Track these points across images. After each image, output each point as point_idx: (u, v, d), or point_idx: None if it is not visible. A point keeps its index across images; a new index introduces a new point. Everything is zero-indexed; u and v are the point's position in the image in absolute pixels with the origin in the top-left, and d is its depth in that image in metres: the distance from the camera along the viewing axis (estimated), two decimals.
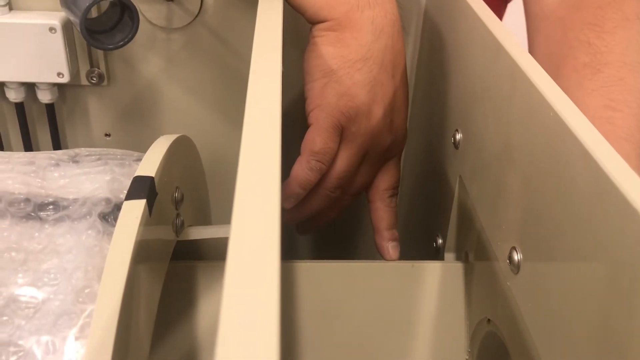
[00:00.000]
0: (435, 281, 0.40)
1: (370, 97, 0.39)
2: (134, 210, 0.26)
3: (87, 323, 0.23)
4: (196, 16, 0.50)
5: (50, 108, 0.52)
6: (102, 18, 0.45)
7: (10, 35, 0.47)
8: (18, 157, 0.32)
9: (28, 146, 0.53)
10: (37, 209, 0.28)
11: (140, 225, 0.25)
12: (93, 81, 0.51)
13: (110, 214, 0.27)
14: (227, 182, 0.54)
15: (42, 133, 0.54)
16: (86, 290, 0.24)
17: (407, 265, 0.41)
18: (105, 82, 0.52)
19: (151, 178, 0.28)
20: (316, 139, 0.39)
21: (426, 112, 0.49)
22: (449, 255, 0.42)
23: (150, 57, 0.52)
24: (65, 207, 0.28)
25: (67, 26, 0.47)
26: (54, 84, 0.50)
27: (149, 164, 0.29)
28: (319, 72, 0.39)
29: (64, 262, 0.25)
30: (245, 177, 0.21)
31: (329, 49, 0.39)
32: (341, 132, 0.40)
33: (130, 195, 0.27)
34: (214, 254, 0.40)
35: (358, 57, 0.39)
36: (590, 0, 0.48)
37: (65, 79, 0.48)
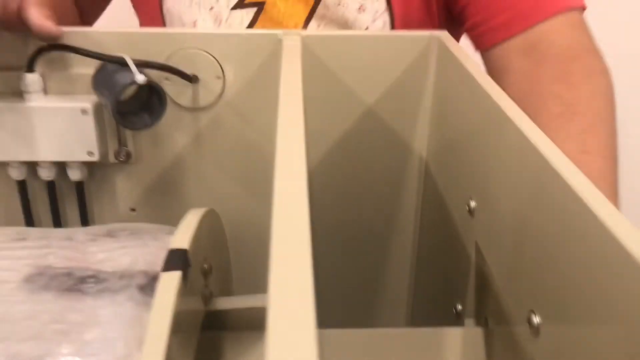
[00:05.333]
0: (457, 347, 0.41)
1: None
2: (171, 282, 0.28)
3: None
4: (219, 96, 0.53)
5: (79, 185, 0.54)
6: (131, 100, 0.48)
7: (45, 118, 0.50)
8: (57, 233, 0.34)
9: (57, 222, 0.56)
10: (78, 282, 0.29)
11: (177, 296, 0.27)
12: (121, 159, 0.54)
13: (147, 286, 0.29)
14: (248, 252, 0.56)
15: (70, 209, 0.56)
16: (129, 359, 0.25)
17: (428, 331, 0.41)
18: (132, 160, 0.54)
19: (185, 250, 0.30)
20: None
21: (441, 181, 0.51)
22: (469, 321, 0.43)
23: (175, 135, 0.54)
24: (104, 280, 0.29)
25: (97, 108, 0.50)
26: (84, 163, 0.53)
27: (182, 237, 0.31)
28: None
29: (106, 333, 0.27)
30: (279, 249, 0.22)
31: None
32: None
33: (167, 267, 0.29)
34: (240, 324, 0.41)
35: None
36: (552, 55, 0.54)
37: (95, 158, 0.51)
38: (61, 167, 0.53)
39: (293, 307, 0.20)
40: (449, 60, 0.49)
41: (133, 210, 0.57)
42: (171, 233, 0.34)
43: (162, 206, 0.57)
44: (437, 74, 0.52)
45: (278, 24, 0.63)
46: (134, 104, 0.48)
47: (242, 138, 0.55)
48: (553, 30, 0.55)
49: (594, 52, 0.54)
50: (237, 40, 0.52)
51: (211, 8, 0.64)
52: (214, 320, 0.39)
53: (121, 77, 0.46)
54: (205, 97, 0.53)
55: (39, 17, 0.45)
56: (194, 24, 0.63)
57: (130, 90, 0.46)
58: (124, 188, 0.56)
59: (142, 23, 0.69)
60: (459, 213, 0.44)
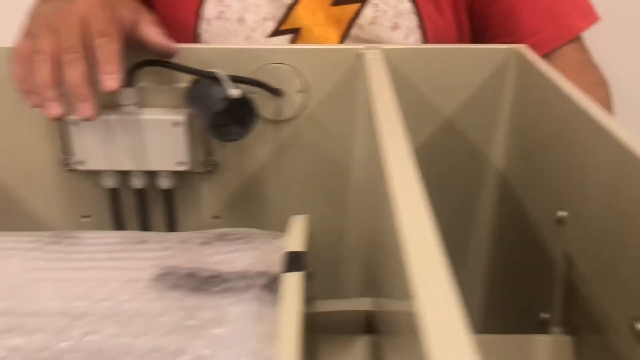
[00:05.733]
0: (546, 355, 0.41)
1: None
2: (295, 282, 0.29)
3: None
4: (301, 109, 0.55)
5: (167, 193, 0.57)
6: (223, 113, 0.50)
7: (140, 129, 0.52)
8: (173, 237, 0.36)
9: (144, 228, 0.58)
10: (203, 282, 0.31)
11: (301, 295, 0.29)
12: (208, 169, 0.56)
13: (269, 285, 0.31)
14: (325, 257, 0.58)
15: (157, 216, 0.59)
16: (260, 355, 0.27)
17: (516, 338, 0.42)
18: (218, 170, 0.57)
19: (303, 253, 0.32)
20: None
21: (521, 192, 0.52)
22: (556, 329, 0.44)
23: (258, 146, 0.57)
24: (227, 280, 0.31)
25: (189, 120, 0.53)
26: (173, 172, 0.55)
27: (297, 241, 0.33)
28: None
29: (236, 329, 0.29)
30: (414, 257, 0.23)
31: None
32: None
33: (288, 269, 0.31)
34: (331, 326, 0.43)
35: None
36: (565, 69, 0.57)
37: (185, 167, 0.54)
38: (151, 175, 0.56)
39: (445, 314, 0.21)
40: (529, 72, 0.50)
41: (216, 217, 0.60)
42: (277, 238, 0.36)
43: (244, 214, 0.59)
44: (516, 86, 0.53)
45: None
46: (225, 116, 0.50)
47: (321, 149, 0.57)
48: (568, 50, 0.65)
49: (596, 68, 0.66)
50: (320, 55, 0.54)
51: (247, 37, 0.66)
52: (310, 322, 0.40)
53: (216, 92, 0.48)
54: (287, 109, 0.55)
55: (158, 35, 0.48)
56: None
57: (224, 104, 0.48)
58: (209, 196, 0.59)
59: None
60: (545, 223, 0.45)
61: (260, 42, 0.66)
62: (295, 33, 0.66)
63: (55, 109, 0.44)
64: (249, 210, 0.59)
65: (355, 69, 0.54)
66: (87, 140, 0.53)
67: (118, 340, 0.28)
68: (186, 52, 0.52)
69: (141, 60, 0.51)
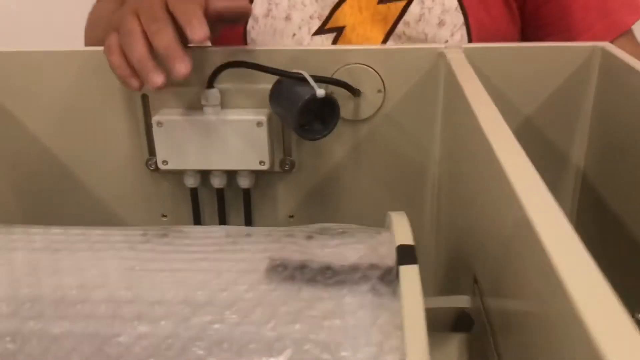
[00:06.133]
0: None
1: None
2: (413, 274, 0.30)
3: None
4: (378, 109, 0.55)
5: (246, 192, 0.58)
6: (308, 112, 0.51)
7: (222, 130, 0.53)
8: (278, 231, 0.36)
9: None
10: (316, 274, 0.32)
11: (421, 286, 0.29)
12: (286, 168, 0.57)
13: (383, 278, 0.31)
14: None
15: (235, 215, 0.60)
16: (384, 345, 0.27)
17: None
18: (295, 169, 0.58)
19: (413, 246, 0.32)
20: None
21: (605, 191, 0.51)
22: None
23: (335, 145, 0.57)
24: (340, 273, 0.32)
25: (270, 120, 0.54)
26: (252, 171, 0.56)
27: (405, 235, 0.33)
28: None
29: (357, 320, 0.29)
30: (556, 254, 0.23)
31: None
32: None
33: (402, 261, 0.31)
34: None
35: None
36: None
37: (266, 167, 0.54)
38: (231, 175, 0.57)
39: (606, 309, 0.21)
40: (616, 69, 0.49)
41: (291, 217, 0.60)
42: (378, 233, 0.36)
43: (318, 214, 0.60)
44: (599, 84, 0.53)
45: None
46: (307, 116, 0.51)
47: (397, 148, 0.57)
48: (621, 45, 0.61)
49: None
50: (399, 54, 0.54)
51: (294, 35, 0.67)
52: None
53: (303, 91, 0.49)
54: (365, 109, 0.56)
55: (227, 1, 0.48)
56: None
57: (311, 103, 0.49)
58: (285, 195, 0.59)
59: None
60: (636, 222, 0.44)
61: (305, 39, 0.67)
62: (339, 31, 0.67)
63: (157, 78, 0.45)
64: (323, 209, 0.60)
65: (435, 68, 0.54)
66: (171, 140, 0.54)
67: (242, 328, 0.29)
68: (266, 53, 0.53)
69: (224, 63, 0.52)
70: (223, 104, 0.54)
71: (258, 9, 0.68)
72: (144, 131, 0.57)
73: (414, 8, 0.66)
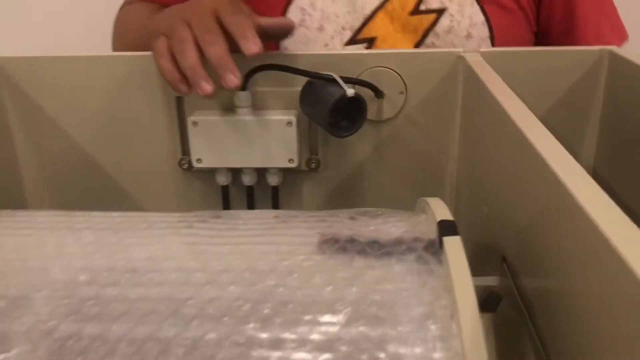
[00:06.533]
0: None
1: None
2: (457, 243, 0.33)
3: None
4: (400, 110, 0.59)
5: (275, 190, 0.61)
6: (337, 111, 0.54)
7: (254, 129, 0.57)
8: (324, 213, 0.39)
9: None
10: (365, 247, 0.35)
11: (465, 255, 0.32)
12: (312, 167, 0.60)
13: (427, 248, 0.34)
14: None
15: None
16: (435, 304, 0.30)
17: None
18: (320, 168, 0.61)
19: (454, 221, 0.35)
20: None
21: (616, 186, 0.55)
22: None
23: (358, 145, 0.60)
24: (386, 245, 0.35)
25: (299, 119, 0.57)
26: (281, 169, 0.59)
27: (443, 212, 0.36)
28: None
29: (406, 284, 0.32)
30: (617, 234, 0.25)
31: None
32: None
33: (445, 234, 0.34)
34: None
35: None
36: None
37: (294, 164, 0.58)
38: (260, 173, 0.60)
39: None
40: (623, 71, 0.53)
41: None
42: (415, 214, 0.39)
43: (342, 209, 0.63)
44: (608, 85, 0.56)
45: None
46: (336, 115, 0.54)
47: (418, 148, 0.61)
48: None
49: None
50: (420, 58, 0.58)
51: (326, 45, 0.71)
52: None
53: (333, 91, 0.52)
54: (388, 110, 0.59)
55: (273, 18, 0.52)
56: None
57: (342, 102, 0.52)
58: (310, 192, 0.62)
59: None
60: None
61: (337, 49, 0.71)
62: (371, 42, 0.71)
63: (209, 86, 0.48)
64: (347, 205, 0.62)
65: (454, 71, 0.57)
66: (205, 140, 0.57)
67: (304, 291, 0.32)
68: (295, 58, 0.57)
69: (257, 66, 0.56)
70: (254, 105, 0.58)
71: (292, 18, 0.72)
72: (177, 131, 0.60)
73: (444, 20, 0.70)
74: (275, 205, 0.61)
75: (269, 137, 0.57)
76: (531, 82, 0.58)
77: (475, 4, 0.69)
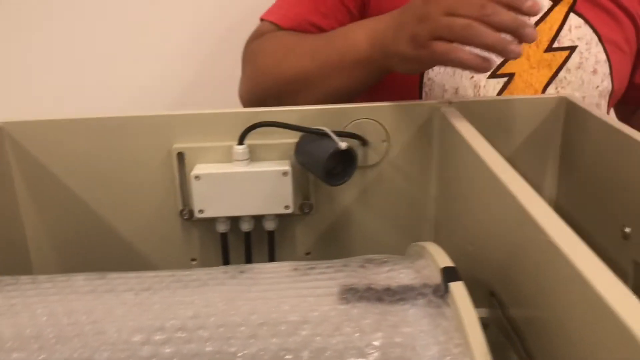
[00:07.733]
0: None
1: None
2: (461, 288, 0.38)
3: None
4: (384, 156, 0.65)
5: (270, 234, 0.66)
6: (331, 162, 0.60)
7: (252, 180, 0.61)
8: (337, 262, 0.45)
9: None
10: (381, 295, 0.40)
11: (469, 297, 0.38)
12: (305, 211, 0.65)
13: (435, 292, 0.40)
14: None
15: (259, 255, 0.67)
16: (448, 343, 0.36)
17: None
18: (312, 211, 0.66)
19: (455, 267, 0.41)
20: None
21: (580, 217, 0.62)
22: None
23: (348, 188, 0.66)
24: (398, 292, 0.40)
25: (294, 169, 0.62)
26: (277, 215, 0.64)
27: (444, 259, 0.42)
28: None
29: (421, 327, 0.37)
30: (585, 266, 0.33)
31: None
32: None
33: (449, 279, 0.40)
34: None
35: None
36: None
37: (290, 210, 0.63)
38: (257, 219, 0.65)
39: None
40: (576, 115, 0.61)
41: (308, 253, 0.68)
42: (415, 261, 0.45)
43: (332, 250, 0.68)
44: (565, 127, 0.64)
45: (521, 91, 0.77)
46: (329, 164, 0.60)
47: (401, 189, 0.67)
48: None
49: None
50: (400, 110, 0.64)
51: (472, 77, 0.77)
52: None
53: (327, 145, 0.57)
54: (372, 157, 0.65)
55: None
56: (456, 91, 0.77)
57: (336, 155, 0.57)
58: (303, 235, 0.67)
59: (390, 87, 0.74)
60: (611, 239, 0.55)
61: (481, 81, 0.77)
62: (510, 77, 0.77)
63: (517, 47, 0.52)
64: (337, 246, 0.68)
65: (431, 120, 0.64)
66: (207, 192, 0.61)
67: (337, 339, 0.37)
68: (286, 113, 0.62)
69: (255, 123, 0.61)
70: (252, 158, 0.62)
71: None
72: (178, 184, 0.64)
73: (574, 57, 0.78)
74: (272, 249, 0.66)
75: (267, 186, 0.62)
76: (498, 127, 0.65)
77: (599, 44, 0.78)
